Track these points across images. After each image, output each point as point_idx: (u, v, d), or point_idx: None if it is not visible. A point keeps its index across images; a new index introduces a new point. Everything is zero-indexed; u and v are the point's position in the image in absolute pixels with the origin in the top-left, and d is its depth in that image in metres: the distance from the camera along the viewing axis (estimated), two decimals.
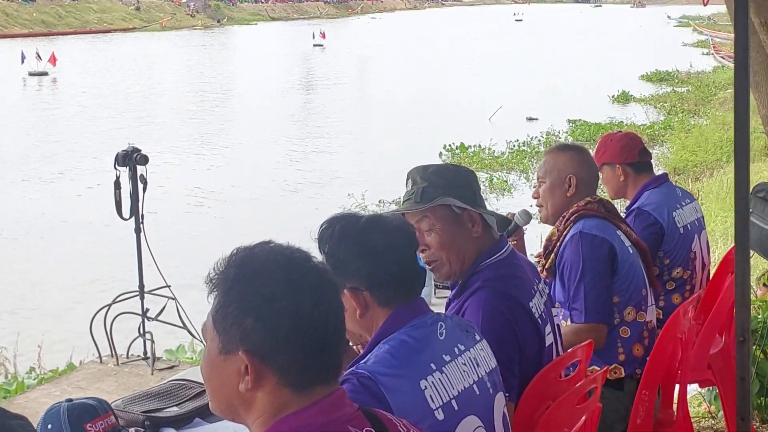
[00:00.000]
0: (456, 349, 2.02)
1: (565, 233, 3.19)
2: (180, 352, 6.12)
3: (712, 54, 38.59)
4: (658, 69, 29.74)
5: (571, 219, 3.20)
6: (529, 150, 16.07)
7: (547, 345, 2.53)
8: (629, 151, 3.83)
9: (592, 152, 3.63)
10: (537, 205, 3.39)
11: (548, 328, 2.55)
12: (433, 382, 1.91)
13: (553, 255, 3.18)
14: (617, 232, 3.21)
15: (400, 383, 1.85)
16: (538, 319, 2.49)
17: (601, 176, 3.72)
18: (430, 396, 1.89)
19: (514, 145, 16.41)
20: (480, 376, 2.05)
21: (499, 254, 2.56)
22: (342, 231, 2.03)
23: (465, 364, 2.02)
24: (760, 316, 4.51)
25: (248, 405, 1.54)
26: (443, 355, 1.98)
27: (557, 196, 3.27)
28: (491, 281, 2.49)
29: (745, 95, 2.28)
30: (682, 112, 20.65)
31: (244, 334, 1.51)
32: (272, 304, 1.50)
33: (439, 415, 1.88)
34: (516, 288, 2.50)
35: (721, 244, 7.41)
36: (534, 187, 3.42)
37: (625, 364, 3.14)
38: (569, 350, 2.61)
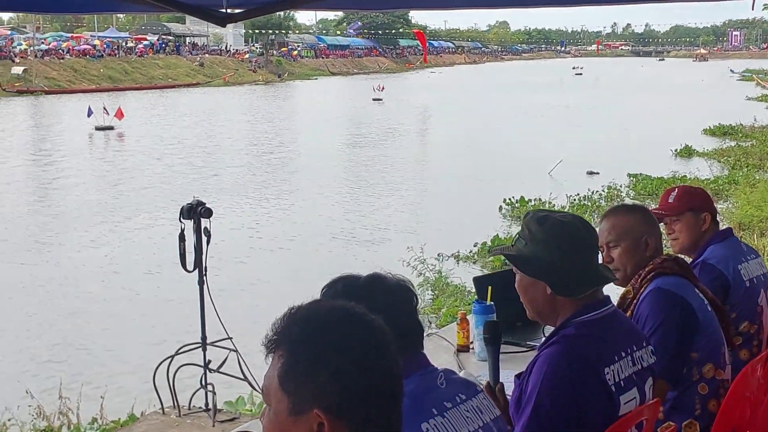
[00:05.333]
0: (457, 398, 2.10)
1: (641, 291, 3.16)
2: (239, 403, 6.14)
3: None
4: (721, 123, 29.41)
5: (648, 277, 3.17)
6: (590, 204, 15.93)
7: (622, 414, 2.46)
8: (712, 202, 3.84)
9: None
10: (614, 269, 3.33)
11: (630, 395, 2.49)
12: (435, 425, 2.00)
13: (629, 313, 3.15)
14: (695, 290, 3.18)
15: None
16: (613, 386, 2.43)
17: (677, 225, 3.71)
18: None
19: (574, 200, 16.29)
20: (485, 422, 2.12)
21: (593, 314, 2.52)
22: (344, 290, 2.08)
23: (468, 411, 2.09)
24: None
25: None
26: (444, 402, 2.06)
27: (637, 258, 3.23)
28: (568, 338, 2.46)
29: None
30: (747, 167, 20.32)
31: (317, 392, 1.49)
32: (343, 359, 1.50)
33: None
34: (592, 350, 2.45)
35: None
36: (602, 251, 3.34)
37: (701, 419, 3.09)
38: (637, 408, 2.56)
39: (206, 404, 5.14)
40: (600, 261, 3.26)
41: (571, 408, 2.38)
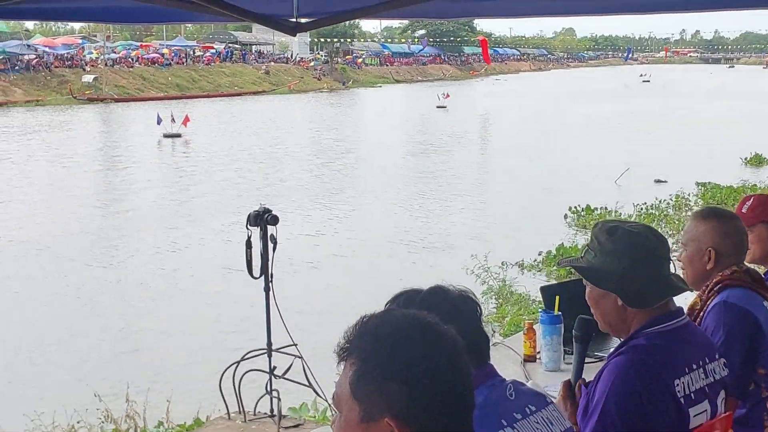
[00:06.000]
0: (527, 409, 2.08)
1: (708, 303, 3.10)
2: (303, 410, 6.17)
3: None
4: None
5: (715, 289, 3.11)
6: (657, 213, 15.69)
7: (693, 426, 2.43)
8: None
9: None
10: (681, 268, 3.29)
11: (701, 408, 2.45)
12: None
13: (696, 324, 3.09)
14: (764, 302, 3.09)
15: None
16: (683, 398, 2.40)
17: (750, 235, 3.61)
18: None
19: (641, 208, 16.07)
20: None
21: (665, 325, 2.49)
22: (407, 304, 2.06)
23: (538, 423, 2.08)
24: None
25: None
26: (514, 413, 2.05)
27: (696, 267, 3.17)
28: (637, 348, 2.44)
29: None
30: None
31: (389, 401, 1.50)
32: (415, 368, 1.50)
33: None
34: (662, 360, 2.42)
35: None
36: (678, 249, 3.33)
37: None
38: (709, 422, 2.51)
39: (271, 410, 5.18)
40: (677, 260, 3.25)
41: (637, 418, 2.36)
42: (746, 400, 3.01)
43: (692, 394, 2.42)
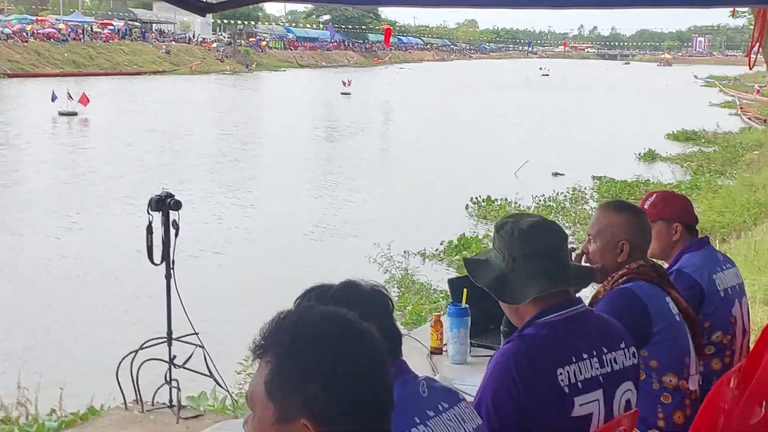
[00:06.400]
0: (439, 406, 2.07)
1: None
2: (202, 398, 6.06)
3: (740, 115, 38.59)
4: (684, 128, 29.71)
5: (620, 281, 3.13)
6: (555, 205, 16.01)
7: (577, 414, 2.43)
8: (689, 212, 3.79)
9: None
10: (586, 261, 3.32)
11: (590, 397, 2.47)
12: None
13: None
14: (666, 298, 3.14)
15: None
16: (566, 387, 2.41)
17: (652, 230, 3.68)
18: None
19: (540, 200, 16.37)
20: (467, 430, 2.11)
21: (556, 314, 2.51)
22: (318, 300, 2.02)
23: (450, 420, 2.07)
24: None
25: None
26: (427, 411, 2.03)
27: (608, 259, 3.19)
28: (522, 338, 2.48)
29: None
30: (709, 173, 20.54)
31: (306, 402, 1.45)
32: (335, 369, 1.46)
33: None
34: (543, 349, 2.44)
35: (758, 309, 7.26)
36: (585, 240, 3.33)
37: (665, 431, 3.06)
38: (616, 417, 2.54)
39: (170, 400, 5.07)
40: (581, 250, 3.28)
41: (511, 407, 2.38)
42: (638, 394, 3.03)
43: (579, 383, 2.43)
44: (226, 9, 2.53)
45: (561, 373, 2.41)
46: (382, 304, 2.08)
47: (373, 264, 10.87)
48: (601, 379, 2.49)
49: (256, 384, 1.52)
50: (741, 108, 40.58)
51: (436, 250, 12.40)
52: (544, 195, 16.72)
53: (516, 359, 2.42)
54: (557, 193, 16.91)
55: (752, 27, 3.88)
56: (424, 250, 12.39)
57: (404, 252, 12.12)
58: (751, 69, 5.89)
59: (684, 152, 25.11)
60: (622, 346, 2.61)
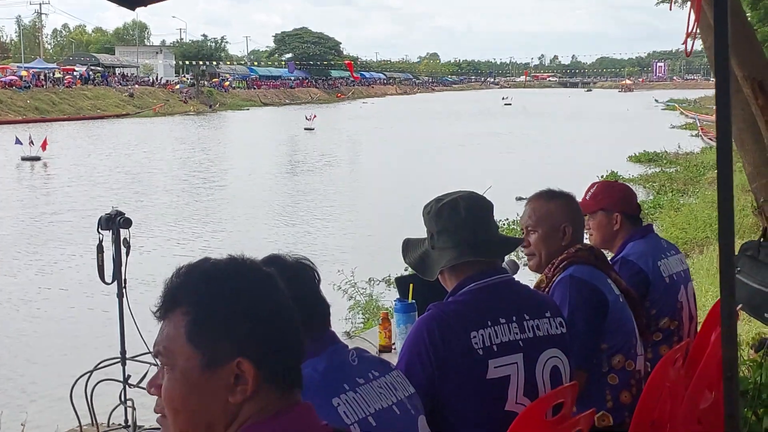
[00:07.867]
0: (370, 374, 2.09)
1: (554, 279, 3.13)
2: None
3: (700, 136, 39.08)
4: (646, 150, 30.00)
5: (561, 266, 3.15)
6: (518, 229, 16.05)
7: (492, 377, 2.45)
8: (629, 201, 3.80)
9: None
10: (527, 254, 3.33)
11: (506, 360, 2.48)
12: (346, 400, 1.99)
13: None
14: (607, 280, 3.16)
15: (313, 400, 1.82)
16: (480, 350, 2.44)
17: (591, 222, 3.70)
18: (344, 412, 1.97)
19: (504, 224, 16.43)
20: (399, 398, 2.12)
21: (477, 282, 2.55)
22: None
23: (381, 387, 2.09)
24: (750, 378, 4.42)
25: (232, 417, 1.47)
26: (357, 378, 2.05)
27: (552, 245, 3.21)
28: (438, 305, 2.53)
29: (728, 145, 2.27)
30: (672, 192, 20.73)
31: (240, 342, 1.46)
32: (262, 307, 1.49)
33: (356, 430, 1.96)
34: (458, 314, 2.48)
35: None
36: (523, 234, 3.35)
37: (614, 411, 3.06)
38: (554, 390, 2.53)
39: (126, 421, 4.99)
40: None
41: (420, 369, 2.42)
42: (590, 374, 3.05)
43: (495, 347, 2.46)
44: (156, 2, 2.52)
45: (475, 336, 2.45)
46: (308, 275, 2.10)
47: (338, 291, 10.82)
48: (521, 343, 2.52)
49: (172, 337, 1.50)
50: (702, 129, 41.08)
51: (400, 276, 12.37)
52: (508, 219, 16.79)
53: (428, 326, 2.46)
54: (521, 217, 16.97)
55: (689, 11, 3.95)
56: (389, 276, 12.36)
57: (369, 279, 12.09)
58: (688, 56, 5.98)
59: (646, 173, 25.33)
60: (548, 315, 2.64)
